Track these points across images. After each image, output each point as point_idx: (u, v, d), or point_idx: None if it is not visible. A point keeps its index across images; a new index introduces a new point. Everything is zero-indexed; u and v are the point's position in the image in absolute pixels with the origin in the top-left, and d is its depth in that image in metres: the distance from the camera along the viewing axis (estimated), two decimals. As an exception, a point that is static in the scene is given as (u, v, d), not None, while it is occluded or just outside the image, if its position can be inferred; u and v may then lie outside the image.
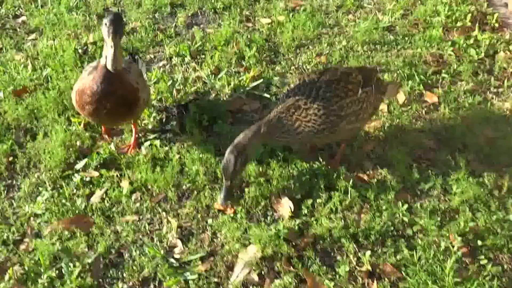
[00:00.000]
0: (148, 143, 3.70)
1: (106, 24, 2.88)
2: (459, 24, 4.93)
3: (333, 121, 3.09)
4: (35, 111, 4.05)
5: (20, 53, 4.86)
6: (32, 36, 5.19)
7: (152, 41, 4.96)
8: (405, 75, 4.22)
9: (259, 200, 3.18)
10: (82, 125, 3.89)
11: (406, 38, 4.78)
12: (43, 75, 4.45)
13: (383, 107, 3.87)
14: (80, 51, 4.76)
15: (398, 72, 4.27)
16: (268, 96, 4.12)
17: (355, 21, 5.09)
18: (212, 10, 5.43)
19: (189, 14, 5.40)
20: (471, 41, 4.64)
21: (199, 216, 3.15)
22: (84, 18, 5.36)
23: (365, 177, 3.35)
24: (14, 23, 5.43)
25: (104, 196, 3.34)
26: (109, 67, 2.91)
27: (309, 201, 3.14)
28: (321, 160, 3.43)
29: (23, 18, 5.52)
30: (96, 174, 3.50)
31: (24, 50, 4.90)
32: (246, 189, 3.25)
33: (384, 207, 3.08)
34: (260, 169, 3.37)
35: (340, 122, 3.12)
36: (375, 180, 3.27)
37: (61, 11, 5.49)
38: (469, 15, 4.96)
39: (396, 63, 4.39)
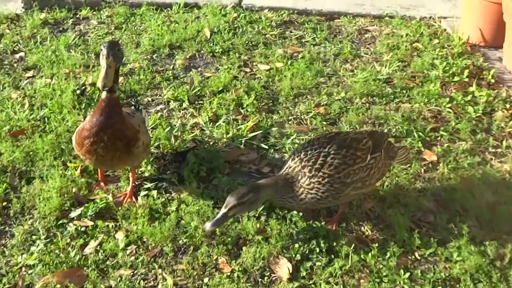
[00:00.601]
0: (145, 192, 3.65)
1: (102, 49, 3.03)
2: (456, 79, 4.97)
3: (338, 188, 3.07)
4: (31, 154, 4.00)
5: (17, 91, 4.84)
6: (30, 73, 5.17)
7: (150, 83, 4.95)
8: (404, 131, 4.22)
9: (257, 260, 3.13)
10: (78, 170, 3.84)
11: (404, 91, 4.80)
12: (40, 115, 4.42)
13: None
14: (78, 91, 4.73)
15: (396, 127, 4.27)
16: (265, 146, 4.10)
17: (352, 71, 5.12)
18: (210, 54, 5.44)
19: (187, 57, 5.41)
20: (469, 97, 4.67)
21: (195, 274, 3.09)
22: (82, 57, 5.36)
23: (365, 239, 3.31)
24: (12, 59, 5.41)
25: (98, 248, 3.28)
26: (99, 84, 2.98)
27: (308, 264, 3.10)
28: (321, 219, 3.39)
29: (21, 54, 5.51)
30: (91, 223, 3.45)
31: (22, 88, 4.87)
32: (244, 248, 3.21)
33: (384, 274, 3.04)
34: (259, 226, 3.33)
35: (346, 189, 3.10)
36: (376, 243, 3.22)
37: (60, 48, 5.49)
38: (466, 70, 5.00)
39: (395, 118, 4.40)
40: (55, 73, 5.08)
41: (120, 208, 3.51)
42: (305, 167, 3.09)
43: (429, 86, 4.79)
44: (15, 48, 5.62)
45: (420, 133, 4.21)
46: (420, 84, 4.93)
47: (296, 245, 3.16)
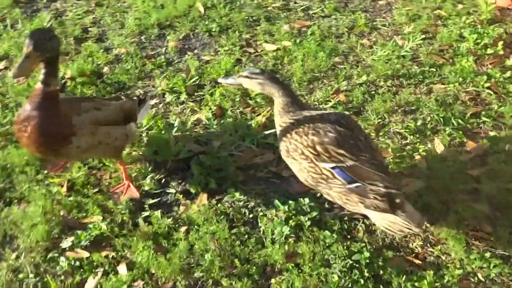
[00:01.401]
0: (146, 213, 3.17)
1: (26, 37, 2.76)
2: (489, 51, 4.48)
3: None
4: (8, 168, 3.50)
5: (-13, 89, 4.28)
6: (1, 65, 4.59)
7: (140, 72, 4.42)
8: (440, 119, 3.73)
9: (291, 295, 2.69)
10: (65, 187, 3.35)
11: (434, 70, 4.29)
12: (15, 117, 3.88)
13: (419, 163, 3.40)
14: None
15: (431, 115, 3.78)
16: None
17: (371, 47, 4.60)
18: (207, 33, 4.89)
19: (180, 37, 4.87)
20: (508, 74, 4.17)
21: (217, 316, 2.65)
22: (60, 41, 4.77)
23: (415, 260, 2.87)
24: (-20, 49, 4.83)
25: (98, 286, 2.82)
26: (10, 73, 2.93)
27: (353, 300, 2.65)
28: (360, 234, 2.94)
29: (-10, 41, 4.92)
30: (86, 255, 2.99)
31: (-7, 85, 4.32)
32: (273, 280, 2.76)
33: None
34: (287, 249, 2.87)
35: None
36: (429, 266, 2.79)
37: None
38: (501, 42, 4.49)
39: (428, 103, 3.90)
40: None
41: (119, 236, 3.04)
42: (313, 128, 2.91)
43: (461, 62, 4.29)
44: (-18, 35, 5.04)
45: (460, 120, 3.74)
46: (451, 60, 4.43)
47: (335, 277, 2.70)
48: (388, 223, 2.77)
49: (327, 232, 2.92)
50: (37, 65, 2.79)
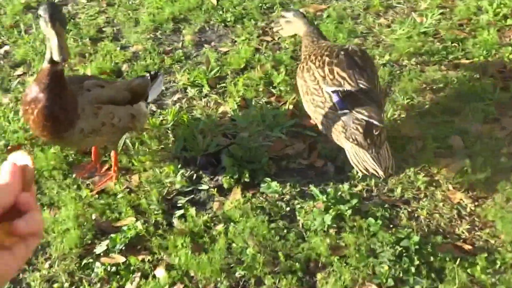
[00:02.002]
0: (180, 211, 2.97)
1: (41, 15, 2.44)
2: (510, 22, 4.20)
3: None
4: (35, 174, 3.30)
5: (8, 94, 4.08)
6: (19, 70, 4.39)
7: (159, 68, 4.19)
8: (470, 94, 3.50)
9: (339, 290, 2.47)
10: (95, 190, 3.16)
11: (457, 45, 4.04)
12: (39, 123, 3.68)
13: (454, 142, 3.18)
14: (78, 88, 3.97)
15: (460, 92, 3.54)
16: (313, 134, 3.37)
17: (389, 26, 4.35)
18: (222, 24, 4.65)
19: (196, 30, 4.63)
20: (533, 43, 3.93)
21: (264, 316, 2.45)
22: (76, 44, 4.58)
23: (464, 246, 2.65)
24: (-3, 56, 4.62)
25: (137, 292, 2.62)
26: (57, 57, 2.38)
27: (405, 290, 2.44)
28: (403, 222, 2.72)
29: (6, 48, 4.72)
30: (122, 259, 2.79)
31: (12, 90, 4.11)
32: (319, 275, 2.56)
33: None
34: (330, 242, 2.66)
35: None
36: (480, 251, 2.57)
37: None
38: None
39: (456, 79, 3.65)
40: (48, 68, 4.31)
41: (155, 237, 2.83)
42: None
43: (483, 35, 4.03)
44: (-2, 42, 4.83)
45: (490, 95, 3.49)
46: (472, 33, 4.17)
47: (385, 267, 2.49)
48: (358, 159, 2.79)
49: (371, 220, 2.71)
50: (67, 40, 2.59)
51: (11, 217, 0.88)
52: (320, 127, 3.05)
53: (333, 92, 2.89)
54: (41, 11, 2.42)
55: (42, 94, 2.61)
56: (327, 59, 2.99)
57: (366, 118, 2.75)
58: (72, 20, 4.98)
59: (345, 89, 2.87)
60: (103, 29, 4.82)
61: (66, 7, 5.28)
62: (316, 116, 3.03)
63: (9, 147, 3.52)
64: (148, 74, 3.37)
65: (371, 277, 2.52)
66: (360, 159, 2.78)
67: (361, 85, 2.87)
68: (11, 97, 4.03)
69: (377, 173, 2.75)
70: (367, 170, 2.77)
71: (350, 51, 3.06)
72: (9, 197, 0.90)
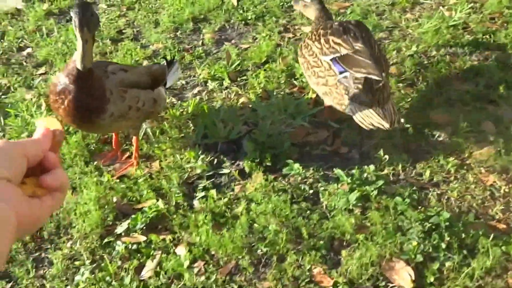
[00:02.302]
0: (202, 194, 2.93)
1: (72, 16, 2.42)
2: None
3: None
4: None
5: (31, 91, 4.11)
6: (42, 70, 4.44)
7: (179, 64, 4.18)
8: (502, 81, 3.44)
9: (365, 266, 2.41)
10: (115, 176, 3.14)
11: (488, 37, 3.98)
12: (60, 115, 3.69)
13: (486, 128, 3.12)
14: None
15: (492, 79, 3.48)
16: (336, 125, 3.33)
17: (417, 20, 4.31)
18: (242, 22, 4.66)
19: (216, 29, 4.64)
20: None
21: (287, 291, 2.38)
22: (97, 44, 4.60)
23: (498, 226, 2.57)
24: (19, 57, 4.68)
25: (158, 269, 2.58)
26: (78, 65, 2.49)
27: (435, 265, 2.38)
28: (432, 204, 2.65)
29: (29, 50, 4.78)
30: (143, 238, 2.75)
31: (35, 87, 4.14)
32: (344, 252, 2.49)
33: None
34: (355, 221, 2.59)
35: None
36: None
37: (70, 38, 4.74)
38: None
39: (486, 69, 3.60)
40: (69, 66, 4.33)
41: (176, 216, 2.79)
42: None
43: (516, 26, 3.99)
44: (20, 45, 4.89)
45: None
46: (505, 25, 4.11)
47: (414, 243, 2.42)
48: (364, 116, 2.84)
49: (398, 199, 2.64)
50: (92, 48, 2.57)
51: (38, 173, 0.97)
52: (324, 99, 3.15)
53: (331, 60, 2.99)
54: (72, 13, 2.41)
55: (71, 85, 2.61)
56: (321, 31, 3.12)
57: (365, 75, 2.83)
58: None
59: (341, 54, 2.95)
60: (123, 30, 4.86)
61: (88, 11, 5.33)
62: (319, 89, 3.11)
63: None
64: (164, 61, 3.38)
65: (398, 253, 2.45)
66: (365, 116, 2.84)
67: (357, 47, 2.95)
68: (34, 93, 4.06)
69: (383, 126, 2.81)
70: (372, 124, 2.83)
71: (344, 22, 3.21)
72: (39, 152, 0.98)
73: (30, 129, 3.60)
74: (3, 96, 4.10)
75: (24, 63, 4.57)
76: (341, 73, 2.93)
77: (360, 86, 2.84)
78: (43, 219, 0.95)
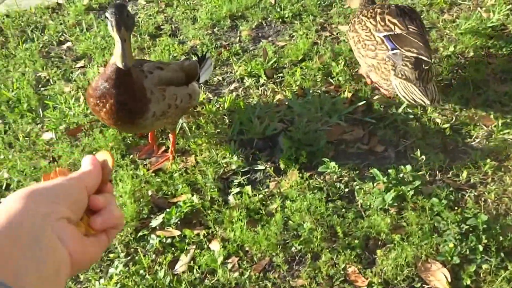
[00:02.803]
0: (236, 189, 2.91)
1: (108, 17, 2.40)
2: None
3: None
4: (94, 153, 3.30)
5: (69, 84, 4.15)
6: (80, 63, 4.48)
7: (217, 60, 4.19)
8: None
9: (401, 267, 2.37)
10: (151, 170, 3.14)
11: (527, 38, 3.89)
12: (98, 108, 3.71)
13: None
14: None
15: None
16: (372, 120, 3.29)
17: (454, 21, 4.23)
18: (280, 20, 4.63)
19: (253, 27, 4.62)
20: None
21: (321, 290, 2.35)
22: (135, 39, 4.63)
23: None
24: (59, 51, 4.72)
25: (191, 264, 2.57)
26: (119, 64, 2.40)
27: (472, 268, 2.33)
28: (469, 205, 2.60)
29: (68, 44, 4.82)
30: (177, 233, 2.75)
31: (74, 80, 4.18)
32: (379, 252, 2.45)
33: None
34: (390, 221, 2.55)
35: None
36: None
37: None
38: None
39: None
40: (108, 60, 4.36)
41: (211, 211, 2.79)
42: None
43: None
44: (60, 38, 4.94)
45: None
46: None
47: (450, 244, 2.37)
48: (407, 91, 3.02)
49: (434, 200, 2.59)
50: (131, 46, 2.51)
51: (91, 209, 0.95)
52: (370, 73, 3.32)
53: (384, 36, 3.14)
54: (108, 14, 2.38)
55: (112, 89, 2.59)
56: (378, 10, 3.29)
57: (415, 55, 2.98)
58: (132, 19, 5.03)
59: (395, 33, 3.11)
60: (162, 26, 4.87)
61: (127, 7, 5.36)
62: (366, 60, 3.26)
63: (69, 130, 3.56)
64: (194, 57, 3.39)
65: (434, 255, 2.40)
66: (408, 91, 3.01)
67: (411, 29, 3.11)
68: (72, 86, 4.10)
69: (424, 102, 2.98)
70: (414, 100, 3.00)
71: (400, 5, 3.35)
72: (96, 183, 0.96)
73: (68, 121, 3.64)
74: (42, 88, 4.14)
75: (64, 57, 4.61)
76: (392, 49, 3.08)
77: (408, 64, 3.00)
78: (98, 257, 0.93)
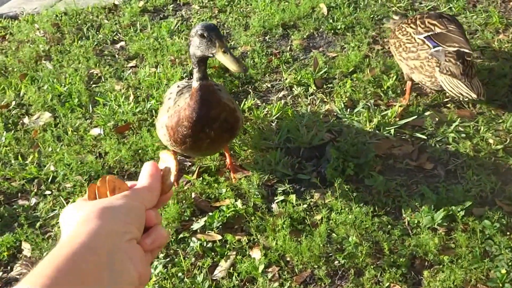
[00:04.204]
0: (281, 197, 2.80)
1: (202, 35, 2.29)
2: None
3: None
4: (140, 152, 3.26)
5: (120, 82, 4.12)
6: (132, 63, 4.45)
7: (266, 67, 4.10)
8: None
9: (449, 290, 2.21)
10: (195, 174, 3.06)
11: None
12: (147, 107, 3.67)
13: None
14: (186, 80, 3.94)
15: None
16: (423, 136, 3.14)
17: (509, 42, 4.03)
18: (331, 31, 4.52)
19: (304, 36, 4.51)
20: None
21: (364, 308, 2.21)
22: (187, 43, 4.57)
23: None
24: (113, 49, 4.71)
25: (231, 270, 2.47)
26: (238, 69, 2.27)
27: (525, 296, 2.15)
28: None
29: (122, 43, 4.81)
30: (218, 237, 2.66)
31: (125, 79, 4.15)
32: (426, 272, 2.30)
33: None
34: (439, 241, 2.40)
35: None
36: None
37: (162, 35, 4.74)
38: None
39: None
40: (159, 61, 4.34)
41: (252, 217, 2.69)
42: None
43: None
44: (114, 38, 4.93)
45: None
46: None
47: (502, 270, 2.21)
48: (453, 86, 3.02)
49: (486, 222, 2.42)
50: None
51: None
52: (412, 75, 3.29)
53: (424, 37, 3.19)
54: (204, 32, 2.27)
55: (213, 113, 2.47)
56: (418, 16, 3.35)
57: (457, 48, 3.02)
58: (184, 23, 5.01)
59: (435, 32, 3.15)
60: (214, 31, 4.79)
61: (180, 11, 5.35)
62: (408, 63, 3.26)
63: (117, 127, 3.51)
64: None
65: (484, 280, 2.24)
66: (454, 85, 3.02)
67: (450, 28, 3.14)
68: (123, 84, 4.07)
69: (470, 96, 2.97)
70: (461, 94, 3.00)
71: (439, 12, 3.38)
72: (154, 201, 0.95)
73: (116, 118, 3.59)
74: (94, 85, 4.12)
75: (116, 56, 4.60)
76: (434, 47, 3.11)
77: (452, 59, 3.03)
78: (150, 276, 0.90)
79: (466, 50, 3.01)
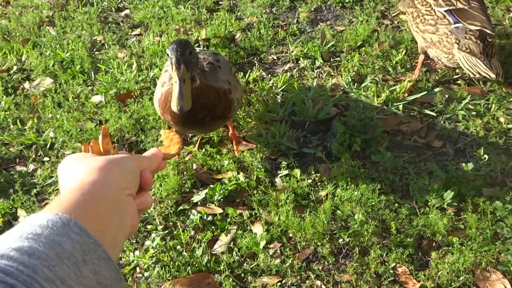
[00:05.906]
0: (285, 172, 2.64)
1: (168, 54, 2.07)
2: None
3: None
4: (142, 121, 3.10)
5: (124, 50, 3.94)
6: (137, 31, 4.26)
7: (273, 39, 3.91)
8: None
9: (457, 273, 2.07)
10: (197, 145, 2.90)
11: None
12: (150, 76, 3.50)
13: None
14: (191, 49, 3.75)
15: None
16: (432, 113, 2.97)
17: (520, 19, 3.84)
18: (340, 4, 4.31)
19: (312, 9, 4.31)
20: None
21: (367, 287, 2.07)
22: (193, 12, 4.38)
23: None
24: (117, 17, 4.52)
25: (232, 245, 2.32)
26: (174, 107, 2.01)
27: (537, 282, 2.00)
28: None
29: (127, 11, 4.61)
30: (219, 211, 2.51)
31: (128, 46, 3.97)
32: (434, 254, 2.15)
33: None
34: (448, 222, 2.24)
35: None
36: None
37: (168, 4, 4.53)
38: None
39: None
40: (164, 30, 4.14)
41: (255, 191, 2.53)
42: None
43: None
44: (119, 5, 4.73)
45: None
46: None
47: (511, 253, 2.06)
48: (471, 65, 2.88)
49: (498, 203, 2.26)
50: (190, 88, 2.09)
51: None
52: (428, 49, 3.13)
53: (445, 11, 2.99)
54: (169, 51, 2.06)
55: (196, 105, 2.23)
56: None
57: (479, 28, 2.85)
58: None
59: (457, 7, 2.96)
60: (220, 2, 4.61)
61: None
62: (425, 36, 3.08)
63: (118, 95, 3.35)
64: None
65: (495, 263, 2.10)
66: (472, 64, 2.87)
67: (473, 4, 2.96)
68: (126, 52, 3.89)
69: (489, 76, 2.84)
70: (479, 73, 2.87)
71: None
72: (148, 169, 1.01)
73: (118, 86, 3.42)
74: (96, 52, 3.95)
75: (121, 23, 4.41)
76: (455, 23, 2.94)
77: (473, 38, 2.88)
78: (134, 230, 0.96)
79: (488, 31, 2.85)
